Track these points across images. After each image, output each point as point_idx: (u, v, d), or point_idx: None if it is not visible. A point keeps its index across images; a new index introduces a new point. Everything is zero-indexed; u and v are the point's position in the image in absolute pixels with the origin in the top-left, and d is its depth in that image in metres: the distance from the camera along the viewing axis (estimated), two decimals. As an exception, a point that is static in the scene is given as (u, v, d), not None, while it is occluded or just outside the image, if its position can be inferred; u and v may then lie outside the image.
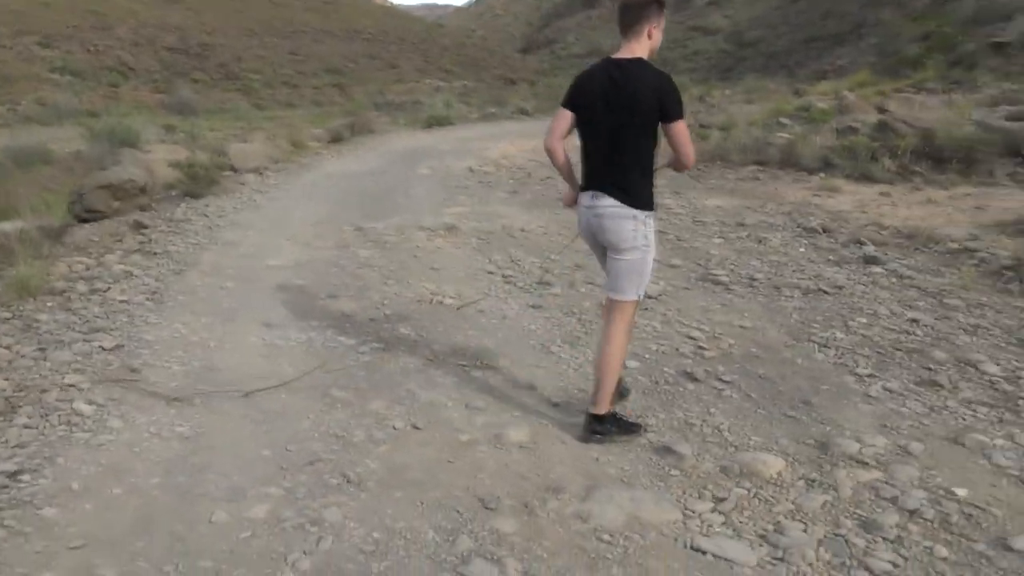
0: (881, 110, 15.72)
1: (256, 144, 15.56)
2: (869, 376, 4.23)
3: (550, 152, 3.54)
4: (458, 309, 5.67)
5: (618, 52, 3.38)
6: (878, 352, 4.56)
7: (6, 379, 4.08)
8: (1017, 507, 2.98)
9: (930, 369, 4.25)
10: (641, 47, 3.34)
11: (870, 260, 6.46)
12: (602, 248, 3.59)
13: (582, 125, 3.44)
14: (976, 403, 3.85)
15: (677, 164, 3.48)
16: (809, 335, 4.88)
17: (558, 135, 3.47)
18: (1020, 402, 3.80)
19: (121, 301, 5.57)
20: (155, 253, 7.02)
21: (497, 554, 2.74)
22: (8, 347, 4.51)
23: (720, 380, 4.29)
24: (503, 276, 6.63)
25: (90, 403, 3.81)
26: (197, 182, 10.03)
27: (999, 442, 3.47)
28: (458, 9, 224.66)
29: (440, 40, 76.63)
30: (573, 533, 2.89)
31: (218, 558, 2.68)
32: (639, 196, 3.39)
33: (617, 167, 3.37)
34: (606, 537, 2.86)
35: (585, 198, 3.51)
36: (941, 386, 4.04)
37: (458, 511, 3.02)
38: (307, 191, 11.26)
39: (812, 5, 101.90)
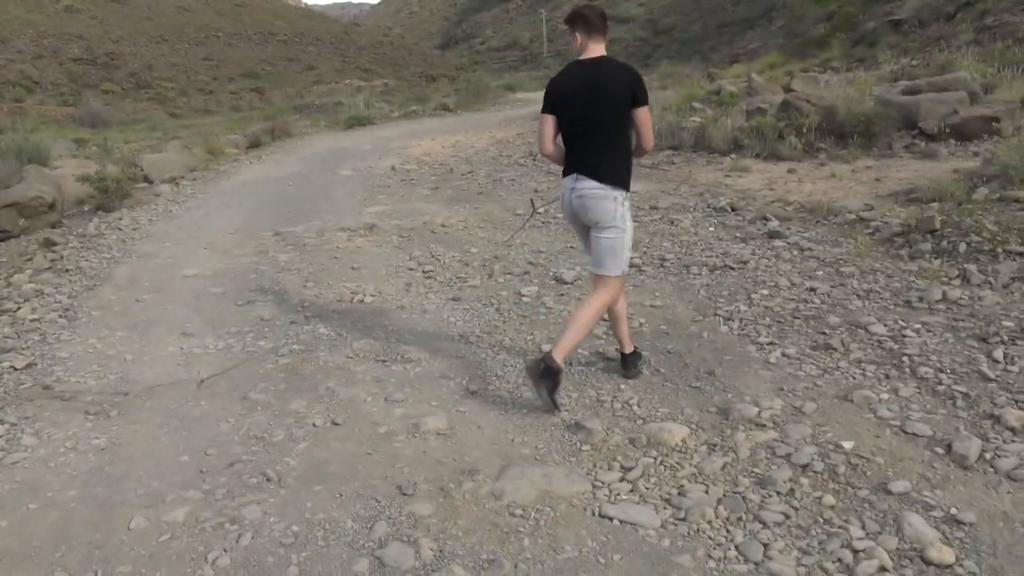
0: (787, 90, 16.27)
1: (171, 153, 15.26)
2: (769, 344, 4.47)
3: (547, 156, 3.98)
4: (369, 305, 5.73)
5: (585, 53, 3.79)
6: (778, 321, 4.81)
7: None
8: (897, 455, 3.23)
9: (824, 334, 4.51)
10: (602, 47, 3.80)
11: (773, 235, 6.75)
12: (584, 229, 3.97)
13: (564, 121, 3.82)
14: (865, 362, 4.12)
15: (638, 149, 3.92)
16: (715, 310, 5.11)
17: (549, 140, 3.88)
18: (903, 359, 4.07)
19: (32, 320, 5.48)
20: (67, 270, 6.88)
21: (413, 536, 2.85)
22: (-88, 374, 4.40)
23: (630, 357, 4.46)
24: (423, 272, 6.72)
25: (2, 423, 3.77)
26: (109, 196, 9.81)
27: (884, 396, 3.72)
28: (373, 7, 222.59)
29: (357, 40, 75.84)
30: (487, 511, 3.01)
31: (137, 563, 2.72)
32: (617, 178, 3.78)
33: (596, 153, 3.76)
34: (518, 512, 2.99)
35: (568, 181, 3.87)
36: (834, 349, 4.30)
37: (376, 499, 3.11)
38: (225, 199, 11.12)
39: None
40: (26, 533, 2.88)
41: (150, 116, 42.42)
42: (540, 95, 3.98)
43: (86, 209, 9.91)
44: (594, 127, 3.74)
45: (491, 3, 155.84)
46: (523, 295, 5.83)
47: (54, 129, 30.93)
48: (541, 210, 8.32)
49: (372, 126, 23.86)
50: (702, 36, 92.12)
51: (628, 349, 4.28)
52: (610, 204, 3.76)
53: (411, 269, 6.83)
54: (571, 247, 7.20)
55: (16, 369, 4.48)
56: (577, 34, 3.80)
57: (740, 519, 2.90)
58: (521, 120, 21.91)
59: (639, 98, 3.70)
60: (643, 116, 3.76)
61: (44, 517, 3.00)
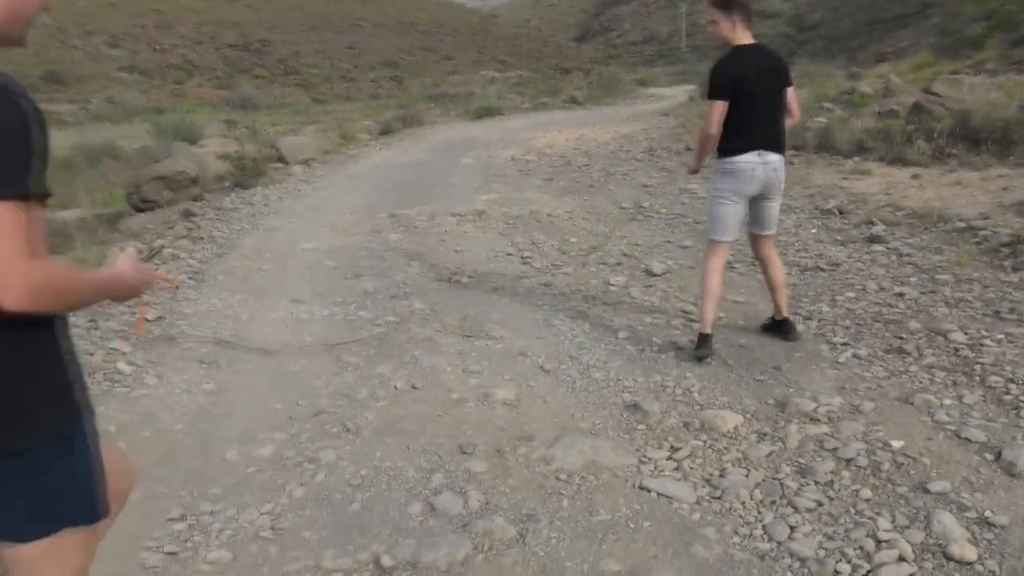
0: (926, 92, 15.54)
1: (307, 137, 16.25)
2: (843, 345, 4.50)
3: (712, 138, 4.26)
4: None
5: (740, 39, 4.15)
6: (857, 324, 4.81)
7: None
8: (945, 457, 3.26)
9: (901, 338, 4.49)
10: (750, 33, 4.21)
11: (874, 239, 6.64)
12: (750, 199, 4.37)
13: (741, 102, 4.10)
14: (936, 368, 4.10)
15: (791, 121, 4.42)
16: (796, 309, 5.15)
17: (717, 123, 4.15)
18: (976, 366, 4.03)
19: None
20: (201, 238, 7.62)
21: (465, 488, 3.15)
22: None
23: (702, 349, 4.60)
24: (521, 257, 7.02)
25: (130, 364, 4.35)
26: (246, 173, 10.67)
27: (946, 402, 3.72)
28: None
29: (495, 31, 77.00)
30: (535, 473, 3.28)
31: (227, 487, 3.16)
32: (784, 151, 4.34)
33: (777, 130, 4.26)
34: (563, 476, 3.24)
35: (752, 156, 4.18)
36: (907, 353, 4.29)
37: (438, 455, 3.44)
38: (351, 181, 11.83)
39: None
40: (139, 455, 3.38)
41: (295, 101, 44.91)
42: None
43: (225, 185, 10.81)
44: (774, 107, 4.21)
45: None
46: (611, 284, 6.03)
47: (208, 111, 33.32)
48: None
49: (501, 117, 24.40)
50: (850, 33, 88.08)
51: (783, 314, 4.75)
52: (784, 174, 4.35)
53: (510, 254, 7.15)
54: (668, 241, 7.33)
55: (148, 320, 5.10)
56: (735, 19, 4.07)
57: (774, 503, 3.04)
58: (649, 116, 21.89)
59: (789, 78, 4.28)
60: (793, 93, 4.31)
61: (155, 443, 3.51)
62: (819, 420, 3.65)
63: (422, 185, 11.24)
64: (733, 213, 4.32)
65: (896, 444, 3.36)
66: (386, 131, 19.65)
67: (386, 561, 2.69)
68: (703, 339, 4.43)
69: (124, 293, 1.64)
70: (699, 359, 4.39)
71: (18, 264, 1.28)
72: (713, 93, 4.10)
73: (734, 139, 4.16)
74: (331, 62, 57.27)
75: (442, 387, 4.18)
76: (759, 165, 4.18)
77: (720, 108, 4.07)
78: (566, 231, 8.08)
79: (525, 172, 12.41)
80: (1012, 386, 3.78)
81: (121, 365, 4.32)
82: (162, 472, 3.25)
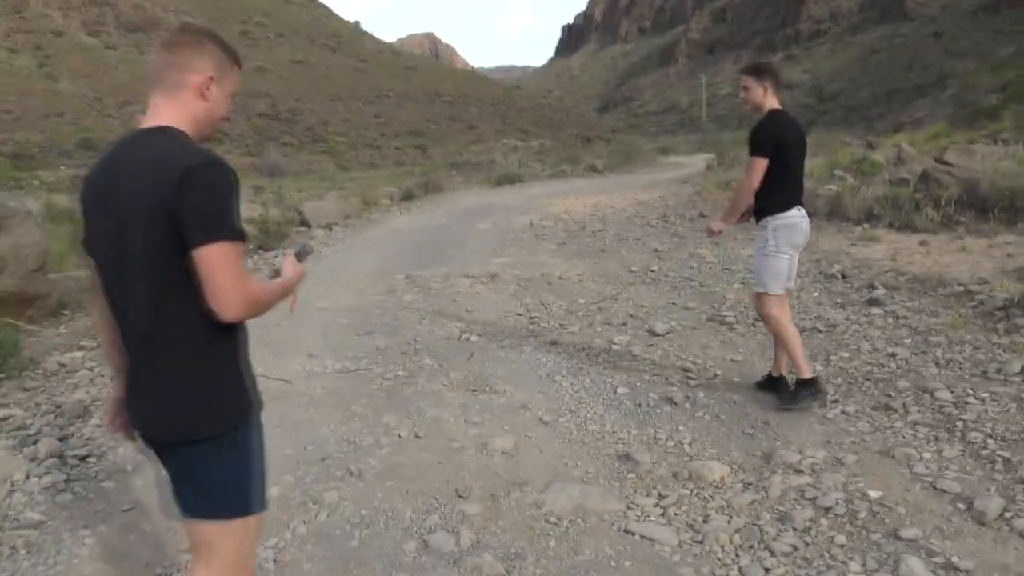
0: (938, 161, 15.78)
1: (330, 202, 16.80)
2: (833, 402, 4.65)
3: (751, 192, 4.48)
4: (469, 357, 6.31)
5: (770, 104, 4.53)
6: (848, 382, 4.97)
7: (87, 392, 4.93)
8: (919, 506, 3.39)
9: (889, 396, 4.64)
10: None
11: (873, 302, 6.81)
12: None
13: (785, 160, 4.40)
14: (920, 424, 4.23)
15: None
16: (791, 367, 5.31)
17: (758, 179, 4.41)
18: (958, 423, 4.16)
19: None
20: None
21: (458, 528, 3.33)
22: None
23: (695, 404, 4.78)
24: (529, 318, 7.25)
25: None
26: (269, 236, 11.08)
27: (926, 455, 3.86)
28: (536, 70, 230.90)
29: (518, 101, 78.80)
30: (526, 516, 3.45)
31: None
32: None
33: (803, 188, 4.66)
34: (552, 519, 3.41)
35: (797, 211, 4.51)
36: (894, 410, 4.43)
37: (435, 498, 3.62)
38: (370, 244, 12.21)
39: (894, 57, 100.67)
40: (151, 493, 3.58)
41: (322, 168, 46.13)
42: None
43: (249, 247, 11.21)
44: (802, 168, 4.59)
45: (651, 67, 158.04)
46: (614, 343, 6.23)
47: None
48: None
49: (521, 184, 24.87)
50: (869, 103, 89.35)
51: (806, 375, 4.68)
52: None
53: (519, 314, 7.38)
54: (673, 303, 7.54)
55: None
56: (767, 86, 4.42)
57: (752, 547, 3.18)
58: (667, 183, 22.27)
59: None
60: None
61: None
62: (803, 471, 3.79)
63: (439, 248, 11.57)
64: (788, 266, 4.58)
65: (874, 494, 3.50)
66: (407, 197, 20.19)
67: (379, 593, 2.86)
68: (808, 383, 4.58)
69: (290, 291, 2.12)
70: (822, 404, 4.58)
71: (238, 286, 1.76)
72: (756, 151, 4.34)
73: (784, 195, 4.45)
74: (357, 131, 58.86)
75: (443, 436, 4.37)
76: (804, 219, 4.53)
77: (762, 166, 4.33)
78: (575, 292, 8.31)
79: (540, 237, 12.71)
80: (990, 441, 3.91)
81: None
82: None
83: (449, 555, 3.13)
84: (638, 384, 5.21)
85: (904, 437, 4.09)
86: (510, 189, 23.47)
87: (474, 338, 6.57)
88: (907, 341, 5.70)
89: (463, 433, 4.42)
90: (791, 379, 4.79)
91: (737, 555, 3.12)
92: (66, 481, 3.80)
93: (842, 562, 3.01)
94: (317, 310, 7.50)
